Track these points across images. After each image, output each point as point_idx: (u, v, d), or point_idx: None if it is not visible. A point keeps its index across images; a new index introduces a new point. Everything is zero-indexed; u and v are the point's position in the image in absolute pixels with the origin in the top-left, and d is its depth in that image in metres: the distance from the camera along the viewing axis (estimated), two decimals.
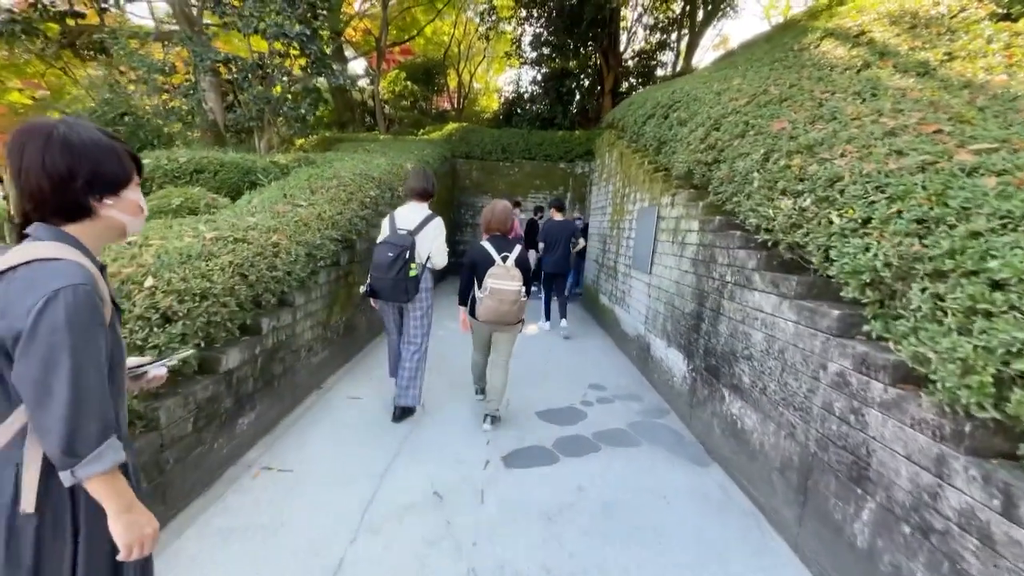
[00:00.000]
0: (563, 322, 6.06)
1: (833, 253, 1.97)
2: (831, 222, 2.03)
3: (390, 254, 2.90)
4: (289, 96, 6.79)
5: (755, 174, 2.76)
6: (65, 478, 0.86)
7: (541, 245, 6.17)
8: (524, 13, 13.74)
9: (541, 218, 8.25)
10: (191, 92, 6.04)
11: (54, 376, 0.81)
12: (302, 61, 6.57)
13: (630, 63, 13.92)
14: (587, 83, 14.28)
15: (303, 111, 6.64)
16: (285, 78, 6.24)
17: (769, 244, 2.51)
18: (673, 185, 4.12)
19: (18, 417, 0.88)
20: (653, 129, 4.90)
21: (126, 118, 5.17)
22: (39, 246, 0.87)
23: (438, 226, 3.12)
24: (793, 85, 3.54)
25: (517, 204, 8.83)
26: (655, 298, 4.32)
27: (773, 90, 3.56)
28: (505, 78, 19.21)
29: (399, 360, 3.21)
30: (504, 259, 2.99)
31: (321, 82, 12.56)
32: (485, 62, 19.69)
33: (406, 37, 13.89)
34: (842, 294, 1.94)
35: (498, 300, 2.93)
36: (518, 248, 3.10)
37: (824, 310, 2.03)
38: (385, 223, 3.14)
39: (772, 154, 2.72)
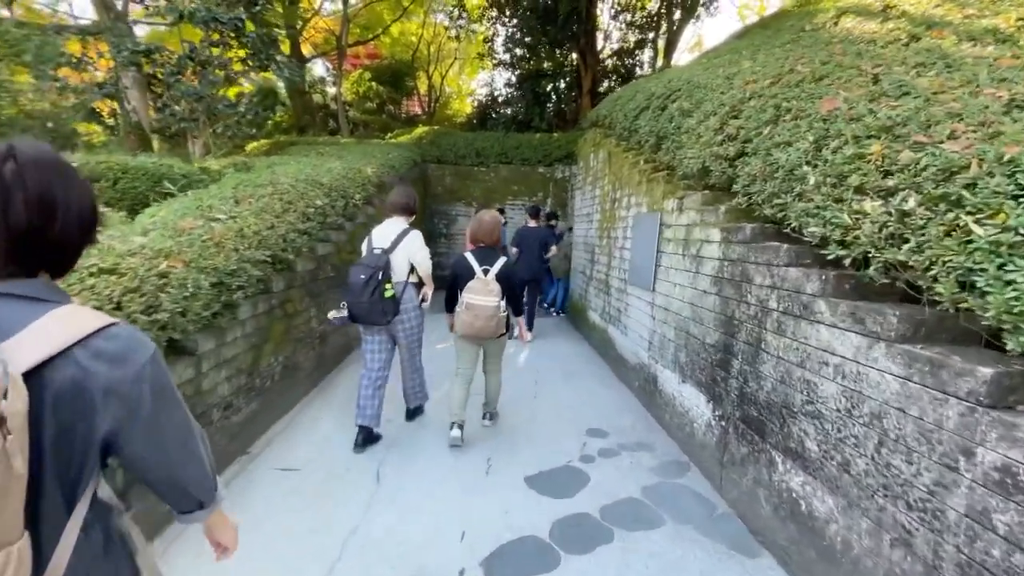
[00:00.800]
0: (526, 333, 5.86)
1: (981, 282, 1.30)
2: (968, 232, 1.35)
3: (362, 276, 2.80)
4: (227, 94, 5.93)
5: (806, 167, 2.10)
6: (191, 519, 0.92)
7: (515, 251, 6.10)
8: (495, 12, 13.14)
9: (555, 226, 7.51)
10: (112, 90, 5.14)
11: (190, 435, 0.85)
12: (241, 53, 5.73)
13: (608, 63, 13.44)
14: (564, 84, 13.74)
15: (242, 110, 5.79)
16: (221, 72, 5.41)
17: (843, 261, 1.84)
18: (680, 186, 3.45)
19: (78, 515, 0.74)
20: (649, 123, 4.25)
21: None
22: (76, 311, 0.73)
23: (415, 238, 3.05)
24: (826, 62, 2.92)
25: (500, 211, 8.15)
26: (661, 321, 3.64)
27: (802, 68, 2.94)
28: (478, 81, 18.56)
29: (377, 391, 3.05)
30: (485, 272, 2.92)
31: (277, 84, 11.66)
32: (457, 64, 19.03)
33: (370, 36, 13.10)
34: (1009, 346, 1.26)
35: (474, 315, 2.85)
36: (502, 261, 3.00)
37: (961, 365, 1.35)
38: (365, 243, 3.07)
39: (827, 140, 2.07)
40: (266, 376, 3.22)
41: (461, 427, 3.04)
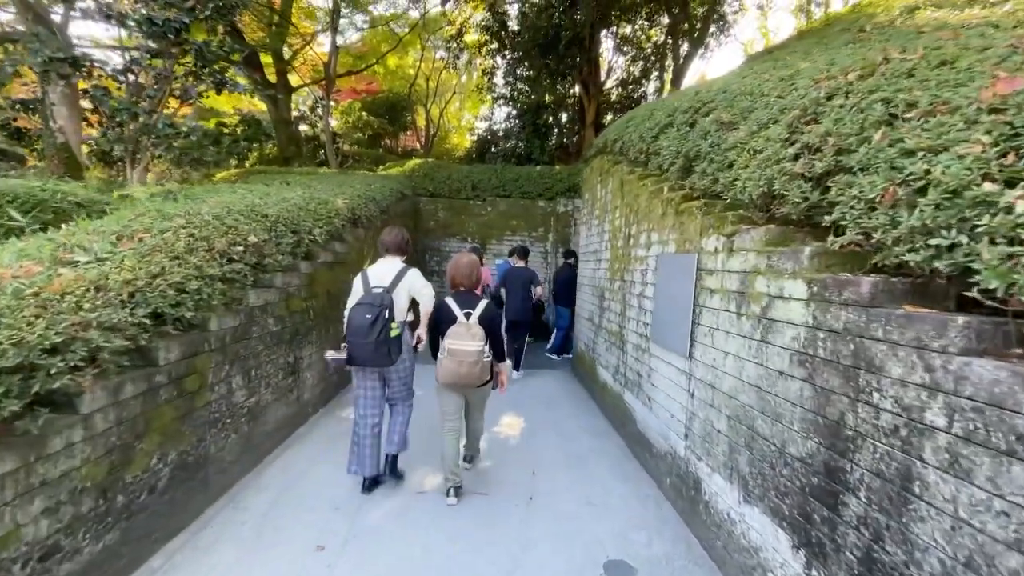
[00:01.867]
0: (514, 373, 6.03)
1: None
2: None
3: (368, 316, 2.74)
4: (178, 115, 5.22)
5: (992, 185, 1.21)
6: None
7: (503, 291, 6.02)
8: (496, 45, 12.82)
9: (573, 263, 7.21)
10: (37, 105, 4.43)
11: None
12: (188, 60, 4.94)
13: (612, 94, 12.99)
14: (566, 117, 13.26)
15: (185, 131, 5.03)
16: (177, 86, 4.69)
17: None
18: (726, 220, 2.57)
19: None
20: (674, 142, 3.43)
21: None
22: None
23: (415, 275, 3.08)
24: (935, 48, 2.09)
25: (476, 251, 7.44)
26: (705, 401, 2.67)
27: (897, 55, 2.11)
28: (478, 116, 18.27)
29: (375, 439, 3.03)
30: (467, 316, 2.84)
31: (262, 112, 11.16)
32: (457, 99, 18.82)
33: (362, 66, 12.77)
34: None
35: (457, 361, 2.75)
36: (483, 304, 2.91)
37: None
38: (357, 282, 3.03)
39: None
40: (138, 489, 2.23)
41: (458, 490, 2.98)
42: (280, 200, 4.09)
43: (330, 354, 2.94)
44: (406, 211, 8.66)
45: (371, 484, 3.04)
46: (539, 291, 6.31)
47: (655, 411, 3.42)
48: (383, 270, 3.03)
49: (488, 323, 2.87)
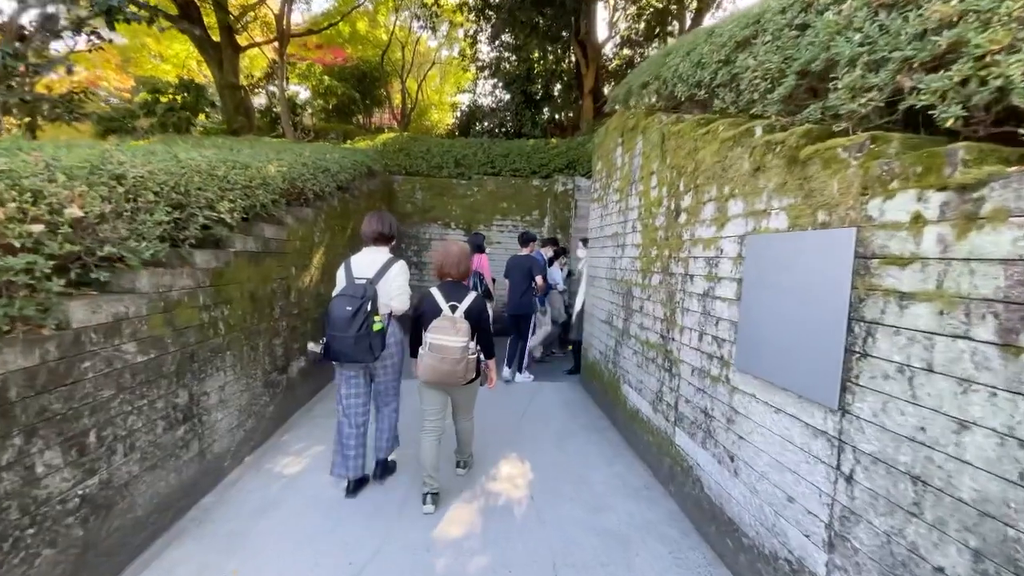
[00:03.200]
0: (518, 375, 5.58)
1: None
2: None
3: (348, 308, 2.60)
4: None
5: None
6: None
7: (507, 282, 5.64)
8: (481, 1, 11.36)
9: (562, 258, 6.58)
10: None
11: None
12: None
13: (614, 60, 11.68)
14: (560, 86, 11.93)
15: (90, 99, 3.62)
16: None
17: None
18: (936, 162, 1.34)
19: None
20: (772, 56, 2.18)
21: None
22: None
23: (401, 269, 2.89)
24: None
25: (479, 242, 6.29)
26: (886, 497, 1.46)
27: None
28: (461, 87, 16.74)
29: (359, 438, 2.89)
30: (452, 309, 2.67)
31: (205, 77, 9.61)
32: (436, 72, 17.30)
33: (324, 24, 11.18)
34: None
35: (439, 358, 2.55)
36: (471, 297, 2.74)
37: None
38: (340, 273, 2.87)
39: None
40: None
41: (435, 497, 2.79)
42: (169, 159, 2.74)
43: (311, 346, 2.82)
44: (376, 191, 7.30)
45: (356, 486, 2.90)
46: (539, 281, 5.47)
47: (748, 480, 2.21)
48: (367, 260, 2.86)
49: (476, 317, 2.71)
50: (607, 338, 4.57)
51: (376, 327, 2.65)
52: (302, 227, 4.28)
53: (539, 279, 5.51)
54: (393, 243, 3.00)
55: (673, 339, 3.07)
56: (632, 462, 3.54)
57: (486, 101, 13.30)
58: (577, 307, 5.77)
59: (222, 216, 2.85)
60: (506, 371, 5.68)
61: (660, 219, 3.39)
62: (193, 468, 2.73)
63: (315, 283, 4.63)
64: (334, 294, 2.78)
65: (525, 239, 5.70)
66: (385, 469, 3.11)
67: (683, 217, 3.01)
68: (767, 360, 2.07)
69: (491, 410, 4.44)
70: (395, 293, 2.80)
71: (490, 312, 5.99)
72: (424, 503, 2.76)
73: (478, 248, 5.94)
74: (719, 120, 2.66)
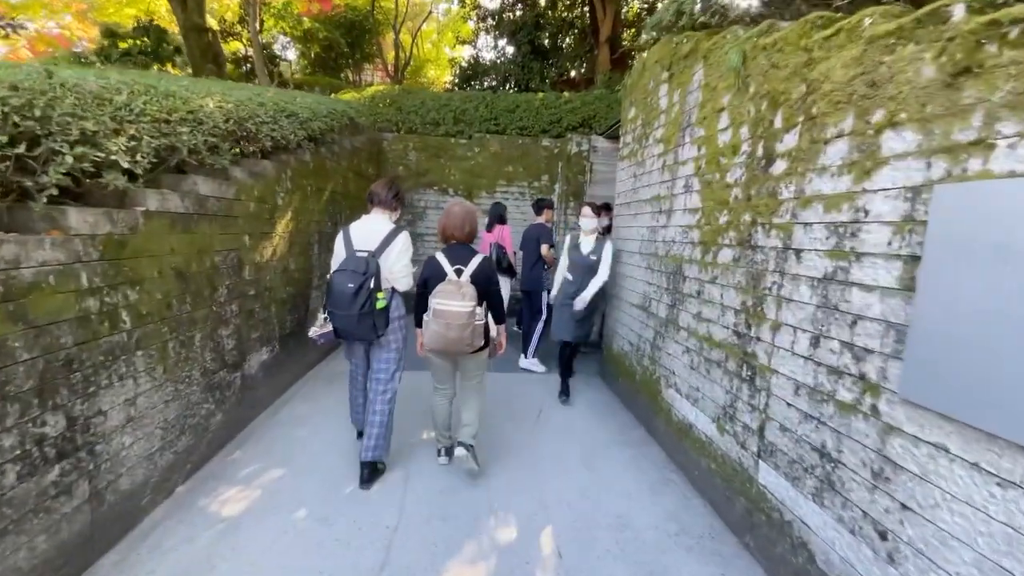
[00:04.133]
0: (524, 359, 4.98)
1: None
2: None
3: (350, 284, 2.46)
4: None
5: None
6: None
7: (520, 254, 5.15)
8: None
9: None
10: None
11: None
12: None
13: (633, 5, 10.47)
14: (572, 36, 10.74)
15: None
16: None
17: None
18: None
19: None
20: None
21: None
22: None
23: (404, 243, 2.67)
24: None
25: (501, 211, 5.51)
26: None
27: None
28: (460, 38, 15.40)
29: (366, 404, 2.77)
30: (458, 272, 2.52)
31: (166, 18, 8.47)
32: (435, 25, 15.95)
33: None
34: None
35: (444, 324, 2.43)
36: (478, 260, 2.56)
37: None
38: (338, 242, 2.67)
39: None
40: None
41: (449, 451, 2.87)
42: (33, 73, 1.83)
43: (313, 331, 2.71)
44: (362, 150, 6.34)
45: (369, 474, 2.66)
46: (545, 251, 4.82)
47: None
48: (369, 229, 2.65)
49: (484, 281, 2.54)
50: (641, 327, 3.74)
51: (379, 304, 2.52)
52: (258, 185, 3.38)
53: (544, 248, 4.78)
54: (398, 212, 2.82)
55: (758, 339, 2.23)
56: (685, 493, 2.75)
57: (488, 56, 12.12)
58: (553, 293, 4.23)
59: (113, 158, 1.95)
60: (523, 360, 4.98)
61: (735, 173, 2.50)
62: (81, 520, 1.93)
63: (280, 256, 3.76)
64: (333, 267, 2.64)
65: (540, 205, 4.96)
66: (373, 471, 2.70)
67: (780, 166, 2.13)
68: (981, 393, 1.23)
69: (499, 411, 3.66)
70: (399, 274, 2.63)
71: (507, 287, 5.08)
72: (439, 456, 2.91)
73: (499, 219, 5.35)
74: (864, 11, 1.74)
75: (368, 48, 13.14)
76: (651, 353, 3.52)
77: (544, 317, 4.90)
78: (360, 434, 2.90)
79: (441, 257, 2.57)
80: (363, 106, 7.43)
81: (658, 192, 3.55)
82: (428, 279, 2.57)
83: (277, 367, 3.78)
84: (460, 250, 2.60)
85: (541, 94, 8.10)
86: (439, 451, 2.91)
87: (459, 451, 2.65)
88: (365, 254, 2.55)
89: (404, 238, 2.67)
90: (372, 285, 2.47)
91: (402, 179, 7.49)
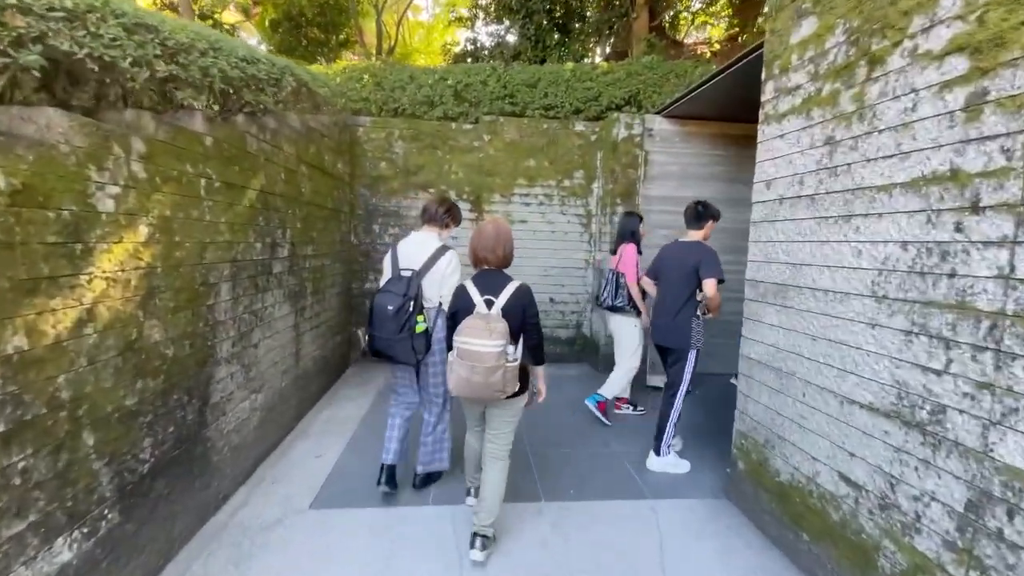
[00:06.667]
0: (656, 459, 3.18)
1: None
2: None
3: (390, 306, 2.45)
4: None
5: None
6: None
7: (652, 286, 3.52)
8: None
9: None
10: None
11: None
12: None
13: None
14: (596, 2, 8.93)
15: None
16: None
17: None
18: None
19: None
20: None
21: None
22: None
23: (450, 262, 2.63)
24: None
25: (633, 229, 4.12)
26: None
27: None
28: (457, 20, 13.62)
29: (399, 430, 2.78)
30: (488, 304, 2.20)
31: None
32: (423, 12, 14.22)
33: None
34: None
35: (470, 367, 2.07)
36: (511, 288, 2.21)
37: None
38: (386, 261, 2.70)
39: None
40: None
41: (477, 492, 2.57)
42: None
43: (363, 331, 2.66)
44: (324, 136, 4.42)
45: (388, 476, 2.70)
46: (711, 289, 2.97)
47: None
48: (416, 247, 2.64)
49: (519, 314, 2.19)
50: (887, 455, 1.80)
51: (419, 328, 2.47)
52: (84, 138, 1.43)
53: (708, 285, 2.96)
54: (449, 230, 2.77)
55: None
56: None
57: (490, 40, 10.29)
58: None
59: None
60: (654, 460, 3.22)
61: None
62: None
63: (113, 319, 1.79)
64: (380, 286, 2.60)
65: (698, 215, 3.20)
66: (427, 480, 2.83)
67: None
68: None
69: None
70: (447, 297, 2.49)
71: (636, 332, 3.86)
72: (467, 497, 2.68)
73: (630, 236, 3.96)
74: None
75: (347, 30, 11.34)
76: (926, 516, 1.57)
77: (685, 390, 3.09)
78: (382, 470, 2.71)
79: (471, 286, 2.27)
80: (333, 85, 5.52)
81: (937, 168, 1.63)
82: (457, 312, 2.28)
83: (111, 554, 1.79)
84: (492, 277, 2.28)
85: (570, 64, 6.23)
86: (468, 491, 2.67)
87: (474, 552, 2.23)
88: (409, 273, 2.53)
89: (450, 257, 2.62)
90: (411, 308, 2.44)
91: (386, 179, 5.56)
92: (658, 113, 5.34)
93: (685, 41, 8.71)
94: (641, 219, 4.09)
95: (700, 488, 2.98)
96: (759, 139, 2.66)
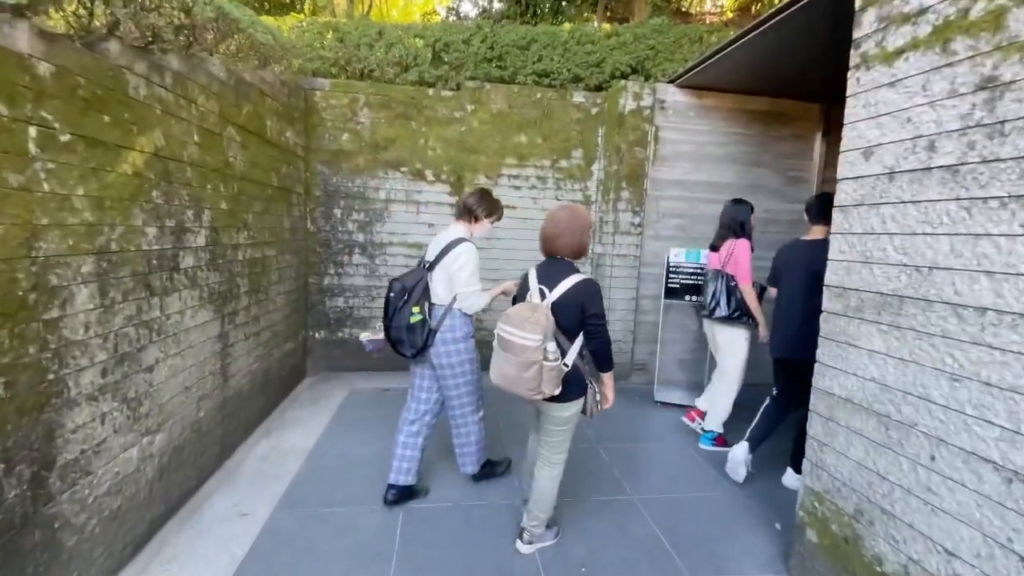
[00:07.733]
0: (792, 476, 2.86)
1: None
2: None
3: (391, 294, 2.47)
4: None
5: None
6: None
7: (772, 292, 3.11)
8: None
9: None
10: None
11: None
12: None
13: None
14: None
15: None
16: None
17: None
18: None
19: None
20: None
21: None
22: None
23: (458, 256, 2.44)
24: None
25: (740, 227, 3.47)
26: None
27: None
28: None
29: (409, 438, 2.61)
30: (542, 294, 2.03)
31: None
32: None
33: None
34: None
35: (505, 357, 1.95)
36: (571, 281, 1.99)
37: None
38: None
39: None
40: None
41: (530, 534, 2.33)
42: None
43: (364, 336, 2.68)
44: (267, 96, 3.57)
45: (395, 496, 2.57)
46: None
47: None
48: (441, 239, 2.57)
49: (574, 311, 1.97)
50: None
51: (413, 319, 2.41)
52: None
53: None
54: (480, 224, 2.60)
55: None
56: None
57: (474, 11, 9.38)
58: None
59: None
60: (791, 476, 2.88)
61: None
62: None
63: None
64: None
65: (818, 210, 2.79)
66: (483, 472, 2.79)
67: None
68: None
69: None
70: (460, 287, 2.42)
71: (747, 347, 3.32)
72: (524, 505, 2.38)
73: (739, 228, 3.31)
74: None
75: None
76: None
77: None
78: (389, 491, 2.58)
79: (532, 272, 2.16)
80: (280, 36, 4.61)
81: None
82: (516, 299, 2.23)
83: None
84: (554, 267, 2.10)
85: (568, 24, 5.43)
86: (524, 501, 2.39)
87: (522, 544, 2.26)
88: (426, 264, 2.54)
89: (463, 248, 2.47)
90: (406, 298, 2.42)
91: (349, 155, 4.71)
92: (671, 82, 4.59)
93: (692, 12, 8.00)
94: (752, 208, 3.37)
95: (750, 553, 2.29)
96: (849, 92, 1.94)
